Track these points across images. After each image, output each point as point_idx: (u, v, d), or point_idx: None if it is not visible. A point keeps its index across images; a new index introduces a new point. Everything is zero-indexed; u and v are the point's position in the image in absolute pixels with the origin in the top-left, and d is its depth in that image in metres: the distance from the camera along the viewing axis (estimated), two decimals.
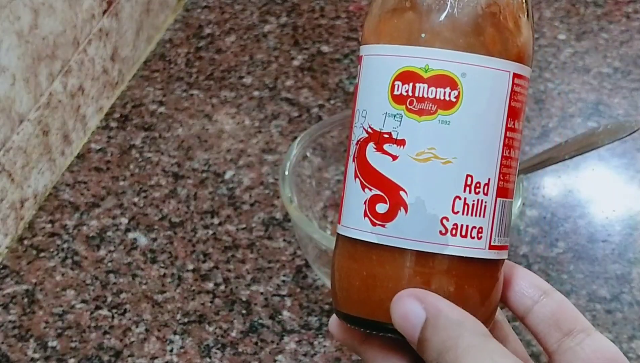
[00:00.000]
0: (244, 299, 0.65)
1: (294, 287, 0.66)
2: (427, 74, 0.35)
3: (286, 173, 0.63)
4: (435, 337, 0.33)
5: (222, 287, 0.66)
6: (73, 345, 0.62)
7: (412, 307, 0.34)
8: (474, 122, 0.35)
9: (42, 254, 0.69)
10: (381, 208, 0.35)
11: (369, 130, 0.36)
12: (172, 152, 0.78)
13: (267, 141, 0.79)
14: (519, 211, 0.60)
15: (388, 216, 0.35)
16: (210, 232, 0.70)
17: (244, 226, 0.71)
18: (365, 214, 0.36)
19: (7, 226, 0.68)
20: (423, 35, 0.35)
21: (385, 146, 0.35)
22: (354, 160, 0.36)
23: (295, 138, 0.71)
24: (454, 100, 0.35)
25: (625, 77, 0.86)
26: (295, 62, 0.89)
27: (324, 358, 0.61)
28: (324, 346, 0.62)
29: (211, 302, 0.65)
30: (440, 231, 0.35)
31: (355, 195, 0.36)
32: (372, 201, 0.36)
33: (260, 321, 0.63)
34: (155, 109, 0.83)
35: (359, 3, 0.97)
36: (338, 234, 0.38)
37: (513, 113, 0.36)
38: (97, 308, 0.65)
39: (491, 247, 0.36)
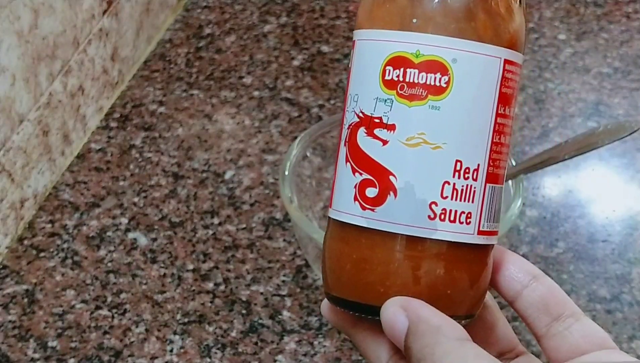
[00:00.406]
0: (244, 299, 0.65)
1: (294, 287, 0.66)
2: (418, 60, 0.35)
3: (286, 173, 0.63)
4: (415, 344, 0.33)
5: (222, 287, 0.66)
6: (73, 345, 0.62)
7: (396, 316, 0.34)
8: (464, 108, 0.35)
9: (42, 254, 0.69)
10: (371, 192, 0.36)
11: (360, 115, 0.36)
12: (172, 152, 0.78)
13: (267, 141, 0.79)
14: (519, 211, 0.60)
15: (378, 201, 0.35)
16: (210, 232, 0.70)
17: (244, 226, 0.71)
18: (356, 198, 0.36)
19: (7, 226, 0.68)
20: (414, 20, 0.35)
21: (376, 131, 0.36)
22: (345, 144, 0.37)
23: (295, 138, 0.71)
24: (445, 86, 0.35)
25: (625, 77, 0.86)
26: (295, 62, 0.89)
27: (324, 358, 0.61)
28: (324, 346, 0.62)
29: (211, 302, 0.65)
30: (429, 216, 0.35)
31: (346, 179, 0.36)
32: (362, 185, 0.36)
33: (260, 321, 0.63)
34: (155, 109, 0.83)
35: (359, 3, 0.97)
36: (329, 217, 0.38)
37: (504, 99, 0.36)
38: (97, 308, 0.65)
39: (480, 232, 0.36)
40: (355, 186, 0.36)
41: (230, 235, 0.70)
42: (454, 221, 0.35)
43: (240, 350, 0.62)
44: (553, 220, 0.72)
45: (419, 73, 0.35)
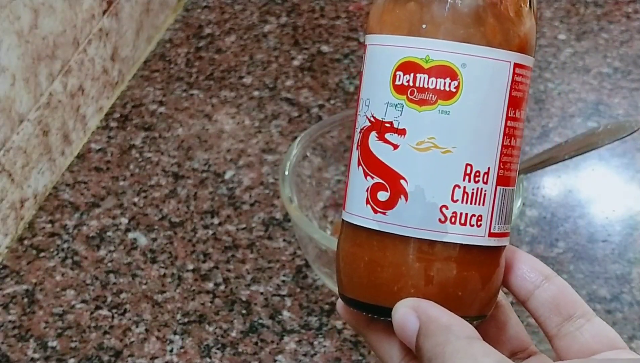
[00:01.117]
0: (244, 299, 0.65)
1: (294, 287, 0.66)
2: (427, 65, 0.35)
3: (286, 173, 0.63)
4: (426, 344, 0.34)
5: (222, 287, 0.66)
6: (73, 345, 0.62)
7: (407, 317, 0.35)
8: (474, 112, 0.35)
9: (42, 254, 0.69)
10: (382, 195, 0.36)
11: (372, 119, 0.36)
12: (172, 152, 0.78)
13: (267, 141, 0.79)
14: (519, 211, 0.60)
15: (389, 204, 0.36)
16: (210, 232, 0.70)
17: (244, 226, 0.71)
18: (367, 202, 0.36)
19: (7, 226, 0.68)
20: (424, 26, 0.36)
21: (387, 135, 0.36)
22: (357, 148, 0.37)
23: (295, 138, 0.71)
24: (454, 90, 0.35)
25: (625, 77, 0.86)
26: (295, 62, 0.89)
27: (324, 358, 0.61)
28: (324, 346, 0.62)
29: (211, 302, 0.65)
30: (440, 219, 0.35)
31: (358, 182, 0.37)
32: (374, 189, 0.36)
33: (260, 321, 0.63)
34: (155, 109, 0.83)
35: (359, 3, 0.97)
36: (342, 220, 0.38)
37: (514, 103, 0.36)
38: (97, 308, 0.65)
39: (491, 234, 0.36)
40: (367, 190, 0.36)
41: (230, 235, 0.70)
42: (464, 224, 0.35)
43: (240, 350, 0.62)
44: (553, 220, 0.72)
45: (428, 78, 0.35)
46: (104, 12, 0.80)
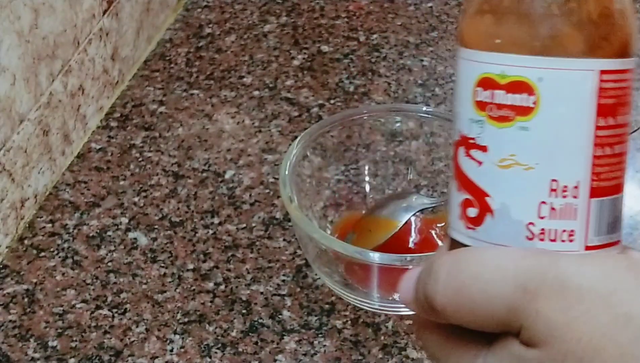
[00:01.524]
0: (244, 299, 0.65)
1: (294, 287, 0.66)
2: (503, 81, 0.34)
3: (286, 172, 0.63)
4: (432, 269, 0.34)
5: (222, 287, 0.66)
6: (73, 344, 0.62)
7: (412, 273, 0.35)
8: (555, 126, 0.34)
9: (42, 254, 0.69)
10: (472, 211, 0.35)
11: (460, 134, 0.36)
12: (172, 152, 0.78)
13: (267, 140, 0.79)
14: None
15: (477, 220, 0.35)
16: (210, 232, 0.70)
17: (244, 225, 0.71)
18: (461, 217, 0.36)
19: (8, 226, 0.68)
20: (498, 40, 0.35)
21: (472, 152, 0.35)
22: (452, 160, 0.37)
23: (295, 137, 0.71)
24: (532, 105, 0.34)
25: None
26: (295, 62, 0.89)
27: (324, 358, 0.61)
28: (324, 346, 0.62)
29: (211, 302, 0.65)
30: (527, 237, 0.34)
31: (454, 196, 0.37)
32: (465, 204, 0.36)
33: (260, 321, 0.64)
34: (156, 109, 0.83)
35: (359, 3, 0.97)
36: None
37: (606, 110, 0.34)
38: (98, 308, 0.65)
39: (588, 248, 0.35)
40: (460, 205, 0.36)
41: (230, 235, 0.70)
42: (554, 240, 0.35)
43: (240, 349, 0.62)
44: None
45: (505, 94, 0.34)
46: (104, 12, 0.80)
